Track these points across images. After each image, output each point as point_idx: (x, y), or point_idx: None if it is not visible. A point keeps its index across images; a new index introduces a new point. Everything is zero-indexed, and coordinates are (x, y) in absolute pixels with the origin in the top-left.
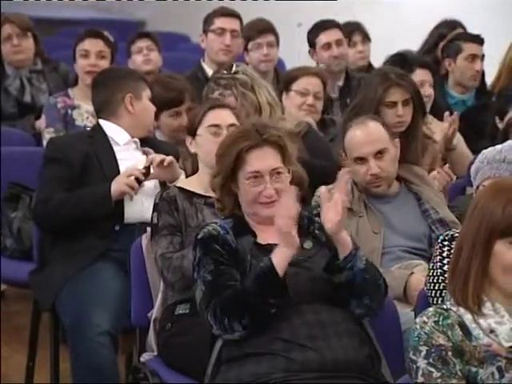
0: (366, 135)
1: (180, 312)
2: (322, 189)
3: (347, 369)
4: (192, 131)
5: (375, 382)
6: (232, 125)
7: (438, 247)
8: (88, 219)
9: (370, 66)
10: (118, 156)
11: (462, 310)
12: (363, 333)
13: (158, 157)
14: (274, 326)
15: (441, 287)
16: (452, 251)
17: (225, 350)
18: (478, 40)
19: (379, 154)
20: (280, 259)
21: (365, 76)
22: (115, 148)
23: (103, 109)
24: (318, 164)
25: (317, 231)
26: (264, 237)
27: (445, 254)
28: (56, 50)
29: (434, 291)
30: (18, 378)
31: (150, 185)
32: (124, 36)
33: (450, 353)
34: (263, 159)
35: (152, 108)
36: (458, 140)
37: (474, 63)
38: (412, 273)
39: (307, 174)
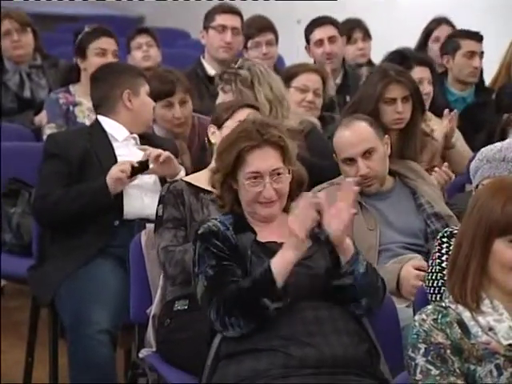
0: (352, 136)
1: (179, 308)
2: (322, 194)
3: (346, 365)
4: (219, 122)
5: (373, 379)
6: None
7: (437, 244)
8: (87, 213)
9: (370, 63)
10: (117, 152)
11: (460, 308)
12: (362, 330)
13: (154, 152)
14: (272, 322)
15: (439, 284)
16: (451, 248)
17: (223, 346)
18: (477, 37)
19: (367, 153)
20: (283, 264)
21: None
22: (114, 144)
23: (101, 105)
24: (317, 163)
25: (316, 229)
26: (264, 235)
27: (444, 251)
28: (55, 46)
29: (432, 288)
30: (17, 374)
31: (150, 181)
32: (123, 32)
33: (448, 351)
34: (263, 159)
35: (151, 104)
36: (457, 138)
37: (472, 60)
38: (403, 266)
39: (307, 173)
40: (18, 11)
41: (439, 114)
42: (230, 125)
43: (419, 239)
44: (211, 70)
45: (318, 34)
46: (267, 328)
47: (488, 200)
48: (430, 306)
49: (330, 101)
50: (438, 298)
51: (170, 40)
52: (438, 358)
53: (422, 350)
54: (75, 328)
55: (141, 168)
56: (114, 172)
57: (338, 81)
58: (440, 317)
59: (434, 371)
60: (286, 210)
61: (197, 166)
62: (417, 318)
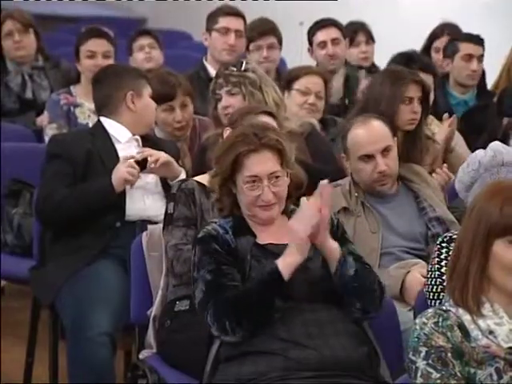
0: (372, 132)
1: (180, 308)
2: (304, 200)
3: (346, 368)
4: (238, 125)
5: (374, 382)
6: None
7: (436, 249)
8: (91, 212)
9: (373, 66)
10: (120, 154)
11: (461, 311)
12: (362, 332)
13: (154, 156)
14: (272, 325)
15: (439, 289)
16: (450, 253)
17: (223, 349)
18: (476, 40)
19: (385, 151)
20: (287, 266)
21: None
22: (117, 146)
23: (104, 106)
24: (318, 167)
25: None
26: (264, 237)
27: (443, 256)
28: (57, 47)
29: (432, 293)
30: (17, 374)
31: (152, 182)
32: (125, 33)
33: (449, 354)
34: (261, 163)
35: (153, 105)
36: (457, 141)
37: (470, 63)
38: (408, 271)
39: (307, 177)
40: (20, 12)
41: (441, 118)
42: None
43: (420, 243)
44: (214, 72)
45: (321, 35)
46: (266, 331)
47: (486, 202)
48: (430, 310)
49: (336, 104)
50: (437, 304)
51: (172, 42)
52: (439, 361)
53: (423, 354)
54: (75, 329)
55: (140, 167)
56: (121, 172)
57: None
58: (441, 320)
59: (435, 374)
60: (285, 212)
61: (198, 168)
62: (417, 321)
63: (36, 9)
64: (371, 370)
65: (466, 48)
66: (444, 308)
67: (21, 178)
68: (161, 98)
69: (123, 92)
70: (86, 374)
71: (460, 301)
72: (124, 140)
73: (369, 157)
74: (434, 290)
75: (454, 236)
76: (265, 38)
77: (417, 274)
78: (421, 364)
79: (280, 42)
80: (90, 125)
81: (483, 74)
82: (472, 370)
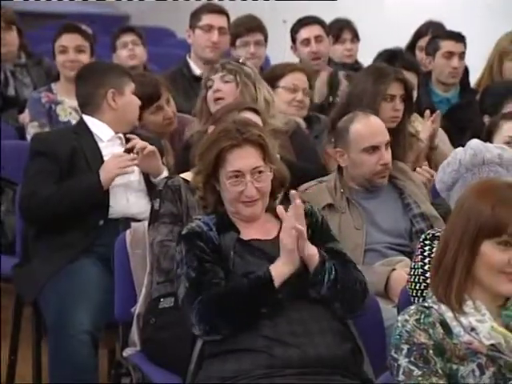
0: (376, 125)
1: (164, 306)
2: (282, 209)
3: (329, 365)
4: (218, 120)
5: (357, 379)
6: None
7: (419, 246)
8: (77, 210)
9: (356, 63)
10: (103, 152)
11: (443, 308)
12: (346, 330)
13: (140, 143)
14: (256, 323)
15: (422, 287)
16: (433, 250)
17: (207, 346)
18: (457, 37)
19: (387, 145)
20: (281, 275)
21: (351, 73)
22: (100, 144)
23: (86, 104)
24: (301, 166)
25: None
26: (247, 233)
27: (426, 253)
28: (40, 44)
29: (415, 290)
30: (0, 372)
31: (135, 180)
32: (109, 30)
33: (431, 351)
34: (244, 158)
35: (136, 102)
36: (441, 138)
37: (451, 60)
38: (394, 269)
39: (291, 176)
40: (2, 9)
41: (424, 115)
42: None
43: (404, 239)
44: (197, 70)
45: (305, 33)
46: (250, 329)
47: (476, 201)
48: (412, 307)
49: (321, 103)
50: (420, 300)
51: (155, 39)
52: (421, 358)
53: (405, 351)
54: (57, 327)
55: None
56: (110, 168)
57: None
58: (423, 317)
59: (417, 372)
60: (268, 209)
61: (182, 166)
62: (400, 318)
63: (20, 6)
64: (355, 367)
65: (447, 46)
66: (426, 305)
67: (3, 175)
68: (148, 100)
69: (104, 90)
70: (67, 371)
71: (443, 297)
72: (107, 139)
73: (374, 149)
74: (417, 287)
75: (438, 233)
76: (252, 35)
77: (401, 272)
78: (403, 361)
79: (266, 39)
80: (73, 122)
81: (467, 71)
82: (454, 367)
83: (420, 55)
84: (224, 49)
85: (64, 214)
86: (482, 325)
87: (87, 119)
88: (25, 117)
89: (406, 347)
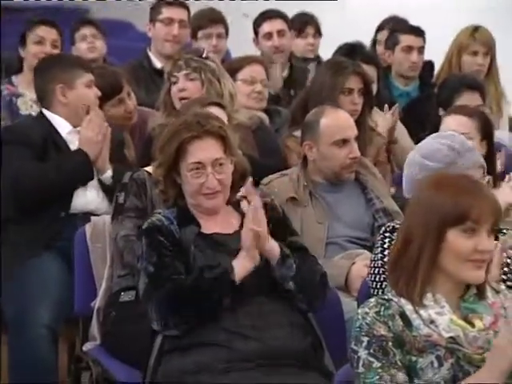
0: (346, 119)
1: (125, 299)
2: (246, 204)
3: (290, 358)
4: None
5: (317, 372)
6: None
7: (379, 238)
8: (67, 188)
9: (317, 57)
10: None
11: (402, 301)
12: (306, 323)
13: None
14: (217, 316)
15: (381, 279)
16: (393, 243)
17: (167, 340)
18: (416, 32)
19: (355, 138)
20: (242, 270)
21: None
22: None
23: (41, 98)
24: (262, 162)
25: None
26: (208, 226)
27: (386, 246)
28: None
29: (375, 282)
30: None
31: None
32: (68, 23)
33: (390, 343)
34: (205, 150)
35: (89, 94)
36: (400, 132)
37: (410, 54)
38: (354, 262)
39: (252, 172)
40: None
41: (384, 109)
42: None
43: (366, 233)
44: (158, 63)
45: (267, 27)
46: (211, 322)
47: (436, 193)
48: (372, 299)
49: (277, 94)
50: (379, 293)
51: (115, 32)
52: (380, 350)
53: (365, 343)
54: (17, 323)
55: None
56: (92, 135)
57: (285, 74)
58: (382, 309)
59: (376, 364)
60: (229, 202)
61: (144, 159)
62: (360, 311)
63: None
64: (315, 360)
65: (406, 40)
66: (386, 297)
67: None
68: (109, 93)
69: (53, 85)
70: (26, 367)
71: (405, 291)
72: (65, 132)
73: (344, 142)
74: (376, 278)
75: (397, 226)
76: (215, 27)
77: (361, 265)
78: (363, 353)
79: (227, 32)
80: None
81: (430, 65)
82: (413, 359)
83: (379, 49)
84: (184, 42)
85: (54, 193)
86: (442, 317)
87: (46, 112)
88: None
89: (365, 339)
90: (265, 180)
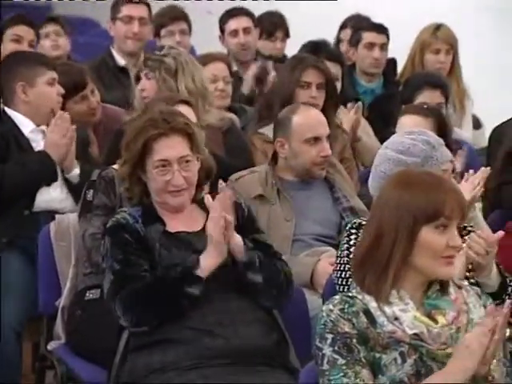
0: (319, 117)
1: (90, 297)
2: (210, 198)
3: (256, 355)
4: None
5: (283, 369)
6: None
7: (345, 235)
8: (33, 187)
9: (284, 57)
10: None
11: (367, 298)
12: (272, 320)
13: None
14: (183, 314)
15: (347, 275)
16: (359, 239)
17: (133, 338)
18: (378, 29)
19: (327, 137)
20: (209, 266)
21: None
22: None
23: (3, 97)
24: (229, 162)
25: None
26: (173, 225)
27: (352, 242)
28: None
29: (340, 279)
30: None
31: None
32: (32, 20)
33: (354, 340)
34: (171, 147)
35: (51, 92)
36: (365, 130)
37: (372, 51)
38: (319, 260)
39: (219, 171)
40: None
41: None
42: None
43: (333, 231)
44: (121, 60)
45: (233, 24)
46: (177, 320)
47: (406, 191)
48: (337, 297)
49: (249, 95)
50: (345, 289)
51: (79, 29)
52: (345, 347)
53: (329, 340)
54: None
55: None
56: (57, 138)
57: (251, 72)
58: (347, 307)
59: (341, 361)
60: (195, 200)
61: (113, 155)
62: (324, 308)
63: None
64: (281, 357)
65: (368, 37)
66: (350, 295)
67: None
68: (73, 90)
69: (13, 83)
70: None
71: (374, 289)
72: (27, 131)
73: (316, 140)
74: (342, 275)
75: (364, 222)
76: (177, 24)
77: (326, 263)
78: (327, 351)
79: (190, 28)
80: None
81: (394, 63)
82: (377, 355)
83: (343, 47)
84: (146, 39)
85: (17, 194)
86: (406, 314)
87: (8, 111)
88: None
89: (330, 336)
90: (234, 176)
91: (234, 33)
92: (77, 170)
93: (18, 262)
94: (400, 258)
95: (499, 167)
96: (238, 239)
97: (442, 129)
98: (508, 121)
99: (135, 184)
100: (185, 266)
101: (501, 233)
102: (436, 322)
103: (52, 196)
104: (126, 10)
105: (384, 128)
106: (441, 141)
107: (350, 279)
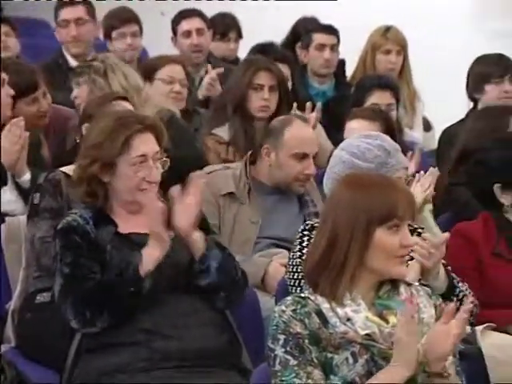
0: (311, 135)
1: (41, 300)
2: (175, 189)
3: (208, 357)
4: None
5: (235, 370)
6: None
7: (298, 236)
8: None
9: (237, 59)
10: None
11: (320, 299)
12: (224, 321)
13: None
14: (135, 316)
15: (299, 276)
16: (311, 241)
17: (85, 341)
18: (328, 30)
19: (314, 156)
20: (151, 261)
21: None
22: None
23: None
24: (179, 155)
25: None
26: (125, 226)
27: (304, 244)
28: None
29: (293, 280)
30: None
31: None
32: None
33: (306, 340)
34: (147, 143)
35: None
36: (317, 131)
37: (323, 52)
38: (271, 261)
39: (173, 166)
40: None
41: (301, 108)
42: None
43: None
44: (73, 62)
45: (186, 25)
46: (130, 322)
47: (360, 193)
48: (289, 298)
49: (205, 98)
50: (298, 290)
51: (29, 30)
52: (297, 348)
53: (282, 341)
54: None
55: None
56: (8, 147)
57: (203, 74)
58: (299, 307)
59: (292, 361)
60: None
61: (60, 159)
62: (276, 309)
63: None
64: (233, 358)
65: (318, 38)
66: (303, 295)
67: None
68: (24, 90)
69: None
70: None
71: (328, 290)
72: None
73: (303, 156)
74: (295, 276)
75: (316, 224)
76: (128, 26)
77: (277, 265)
78: (279, 351)
79: (141, 30)
80: None
81: (343, 64)
82: (329, 355)
83: (298, 50)
84: (87, 39)
85: None
86: (358, 315)
87: None
88: None
89: (282, 337)
90: (207, 169)
91: (187, 34)
92: (28, 175)
93: None
94: (355, 260)
95: (449, 169)
96: (197, 234)
97: (390, 132)
98: (458, 123)
99: (97, 185)
100: (128, 264)
101: (446, 235)
102: (387, 322)
103: (2, 199)
104: (62, 14)
105: (335, 130)
106: (397, 146)
107: (303, 280)
